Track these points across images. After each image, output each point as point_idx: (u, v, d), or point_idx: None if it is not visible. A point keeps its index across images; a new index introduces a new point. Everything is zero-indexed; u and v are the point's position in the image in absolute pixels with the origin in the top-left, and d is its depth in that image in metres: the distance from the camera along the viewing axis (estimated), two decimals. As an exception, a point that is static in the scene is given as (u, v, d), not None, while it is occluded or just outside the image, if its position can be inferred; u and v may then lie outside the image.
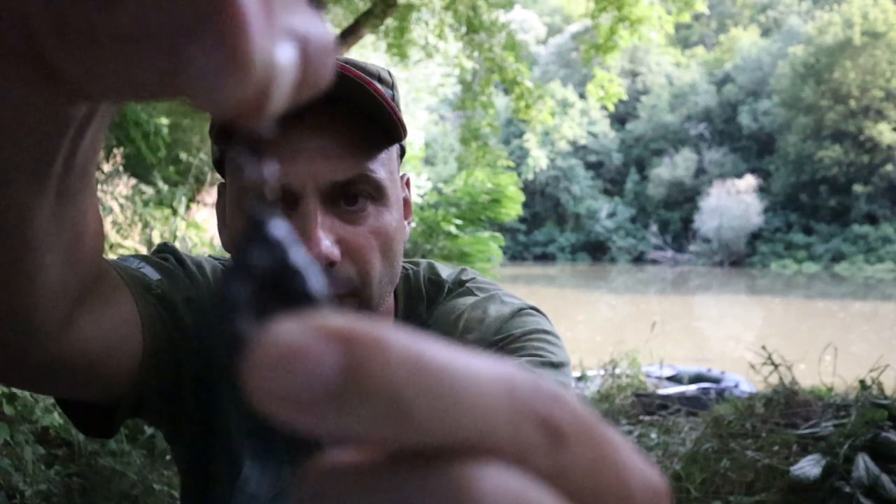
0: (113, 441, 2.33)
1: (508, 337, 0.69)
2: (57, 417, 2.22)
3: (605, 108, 5.41)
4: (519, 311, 0.72)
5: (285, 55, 0.19)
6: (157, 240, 3.82)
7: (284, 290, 0.19)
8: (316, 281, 0.19)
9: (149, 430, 2.52)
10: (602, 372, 5.47)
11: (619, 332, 8.71)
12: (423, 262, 0.81)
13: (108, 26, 0.19)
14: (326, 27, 0.20)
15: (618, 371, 5.42)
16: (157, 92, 0.21)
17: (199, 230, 4.34)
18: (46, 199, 0.32)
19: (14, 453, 2.08)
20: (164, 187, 4.19)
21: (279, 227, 0.19)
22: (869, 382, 3.41)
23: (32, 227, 0.32)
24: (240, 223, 0.64)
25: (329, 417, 0.15)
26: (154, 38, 0.19)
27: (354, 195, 0.63)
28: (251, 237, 0.19)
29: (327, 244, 0.60)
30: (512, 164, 5.87)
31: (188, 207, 4.37)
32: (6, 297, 0.37)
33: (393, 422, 0.15)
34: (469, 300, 0.74)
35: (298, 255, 0.19)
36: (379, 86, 0.63)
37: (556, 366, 0.67)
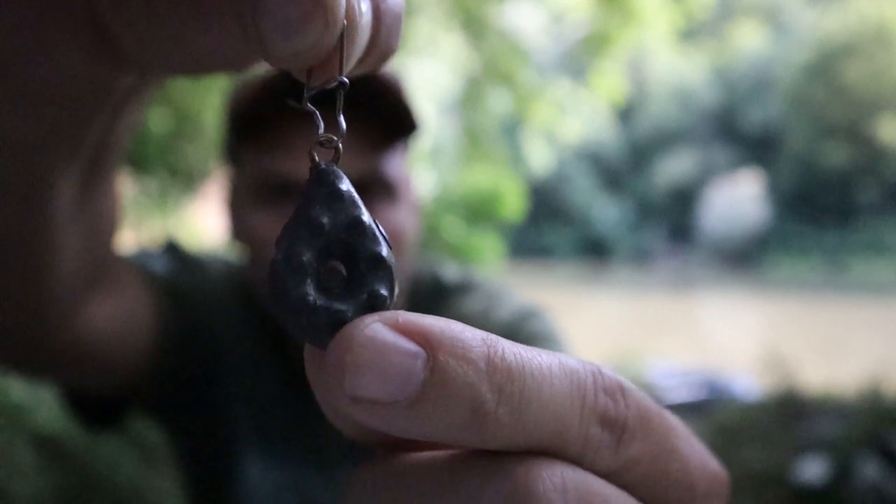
0: (108, 443, 2.31)
1: (515, 342, 0.67)
2: (50, 420, 2.20)
3: (607, 105, 5.38)
4: (524, 314, 0.71)
5: (363, 8, 0.18)
6: (151, 239, 3.80)
7: (355, 250, 0.18)
8: (385, 243, 0.18)
9: (146, 435, 2.49)
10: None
11: (620, 332, 8.69)
12: (426, 262, 0.80)
13: None
14: None
15: (619, 372, 5.39)
16: (213, 59, 0.19)
17: (193, 228, 4.32)
18: (72, 179, 0.30)
19: (6, 456, 2.06)
20: (159, 184, 4.18)
21: (346, 183, 0.18)
22: (875, 383, 3.38)
23: (55, 205, 0.31)
24: (257, 214, 0.63)
25: (407, 420, 0.15)
26: None
27: (366, 193, 0.61)
28: (316, 191, 0.18)
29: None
30: (513, 162, 5.85)
31: (182, 205, 4.36)
32: (21, 277, 0.36)
33: (470, 427, 0.15)
34: (473, 302, 0.73)
35: (366, 213, 0.18)
36: (389, 79, 0.61)
37: None
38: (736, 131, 32.02)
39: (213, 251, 0.78)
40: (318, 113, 0.19)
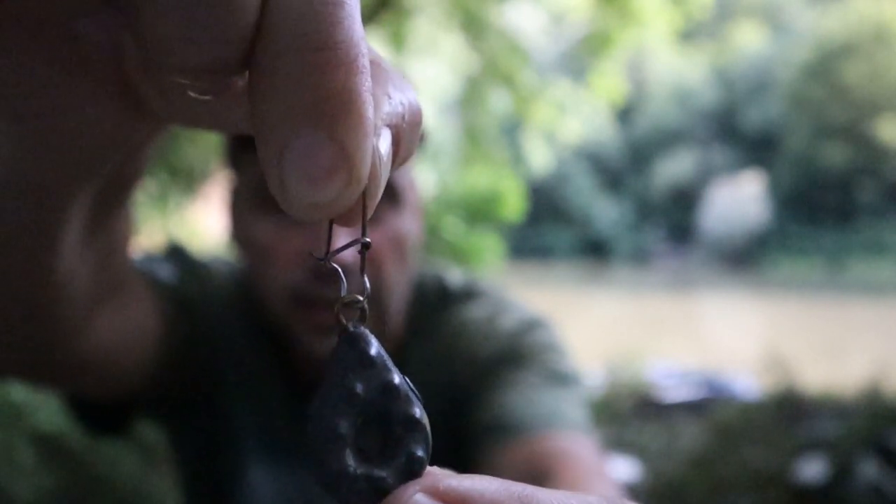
0: (108, 443, 2.31)
1: (518, 352, 0.68)
2: (50, 419, 2.20)
3: (607, 105, 5.37)
4: (529, 323, 0.71)
5: (385, 147, 0.17)
6: (151, 240, 3.80)
7: (390, 413, 0.18)
8: (418, 402, 0.18)
9: (147, 435, 2.49)
10: (603, 373, 5.44)
11: (620, 333, 8.68)
12: (429, 267, 0.79)
13: (200, 89, 0.18)
14: (416, 95, 0.19)
15: (619, 372, 5.39)
16: (239, 124, 0.19)
17: (193, 228, 4.31)
18: (85, 209, 0.30)
19: (7, 456, 2.06)
20: (159, 184, 4.18)
21: (376, 345, 0.18)
22: (875, 383, 3.38)
23: (67, 234, 0.31)
24: (258, 219, 0.63)
25: None
26: (254, 118, 0.17)
27: None
28: (347, 355, 0.18)
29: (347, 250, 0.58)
30: (513, 162, 5.85)
31: (182, 205, 4.36)
32: (33, 299, 0.36)
33: None
34: (478, 309, 0.73)
35: (397, 374, 0.18)
36: None
37: (568, 381, 0.66)
38: (736, 131, 32.00)
39: (217, 254, 0.78)
40: (341, 272, 0.19)
